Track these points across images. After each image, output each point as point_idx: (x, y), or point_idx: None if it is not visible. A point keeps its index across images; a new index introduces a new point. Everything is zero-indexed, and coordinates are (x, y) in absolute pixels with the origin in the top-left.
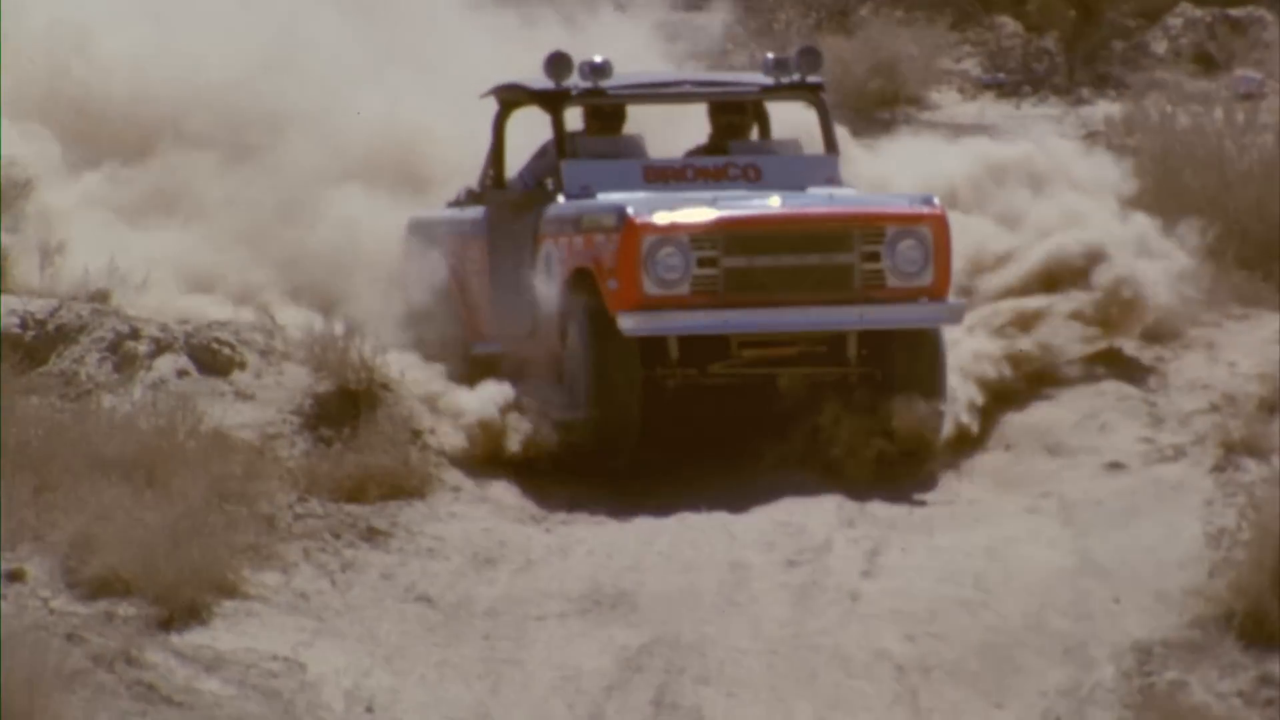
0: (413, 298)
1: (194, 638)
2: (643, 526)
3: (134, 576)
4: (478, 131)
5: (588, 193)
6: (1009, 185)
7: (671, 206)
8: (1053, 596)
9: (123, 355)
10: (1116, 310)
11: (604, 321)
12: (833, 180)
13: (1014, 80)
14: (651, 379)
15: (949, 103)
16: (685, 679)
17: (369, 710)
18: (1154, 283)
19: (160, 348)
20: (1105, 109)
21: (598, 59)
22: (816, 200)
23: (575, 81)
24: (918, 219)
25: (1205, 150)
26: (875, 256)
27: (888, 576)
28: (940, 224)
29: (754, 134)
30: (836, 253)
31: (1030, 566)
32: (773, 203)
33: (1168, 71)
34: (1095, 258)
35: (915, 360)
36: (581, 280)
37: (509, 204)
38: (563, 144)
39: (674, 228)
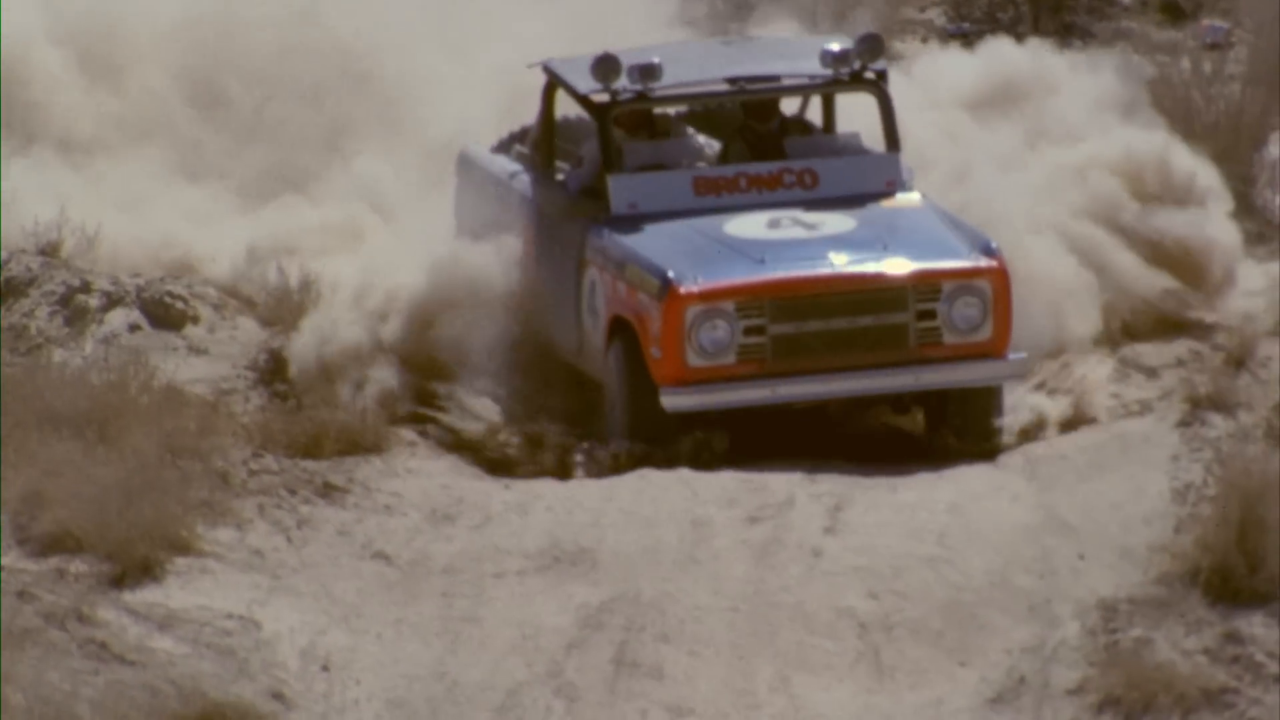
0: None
1: (147, 595)
2: (603, 483)
3: (86, 533)
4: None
5: (635, 210)
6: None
7: (717, 263)
8: (1017, 553)
9: (74, 309)
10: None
11: (643, 376)
12: (893, 183)
13: (979, 29)
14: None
15: (913, 52)
16: (646, 637)
17: (325, 669)
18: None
19: (112, 301)
20: (1071, 59)
21: (650, 60)
22: (871, 251)
23: (623, 84)
24: (976, 274)
25: (1172, 101)
26: (931, 314)
27: (850, 534)
28: (1000, 277)
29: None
30: (891, 313)
31: (994, 522)
32: (835, 259)
33: (1134, 20)
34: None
35: (969, 410)
36: (623, 327)
37: (557, 205)
38: (609, 157)
39: (719, 295)
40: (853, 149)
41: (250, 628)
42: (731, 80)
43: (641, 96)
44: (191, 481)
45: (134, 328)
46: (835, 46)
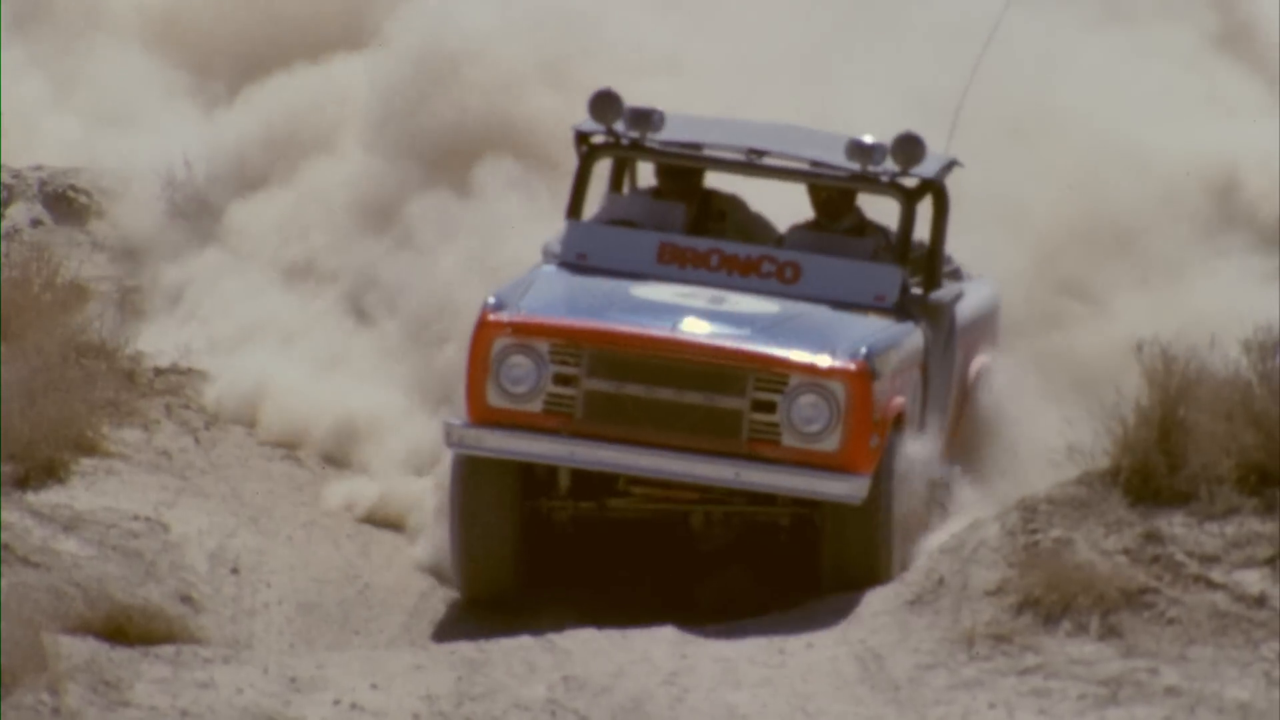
0: None
1: (51, 497)
2: None
3: None
4: None
5: (584, 261)
6: None
7: (557, 306)
8: None
9: None
10: None
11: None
12: (884, 298)
13: None
14: (537, 512)
15: None
16: None
17: (234, 572)
18: None
19: (14, 195)
20: None
21: (648, 107)
22: (739, 330)
23: (619, 127)
24: (828, 373)
25: None
26: (770, 407)
27: None
28: (857, 382)
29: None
30: (723, 395)
31: None
32: (686, 326)
33: None
34: None
35: (849, 521)
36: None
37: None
38: (576, 197)
39: (532, 331)
40: (865, 252)
41: (158, 530)
42: (748, 151)
43: (634, 145)
44: (96, 381)
45: (36, 222)
46: (866, 140)
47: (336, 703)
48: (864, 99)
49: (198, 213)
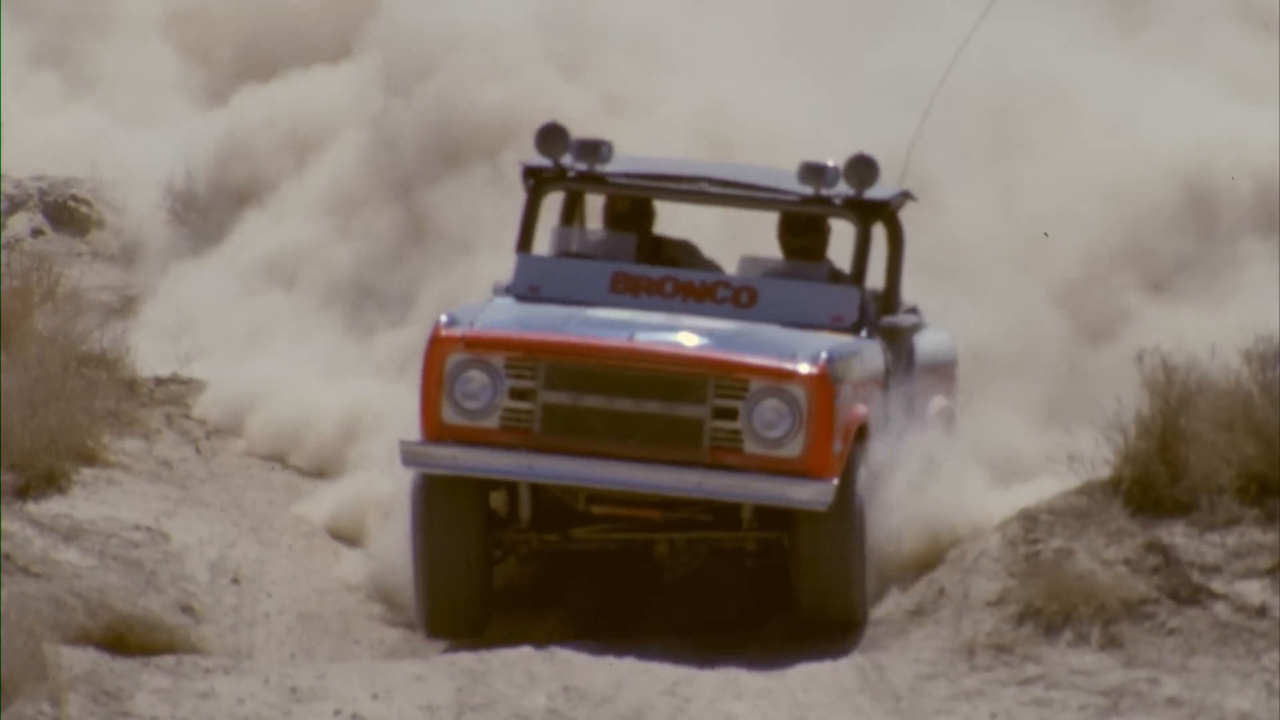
0: None
1: (52, 506)
2: None
3: None
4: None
5: (537, 294)
6: None
7: (511, 321)
8: None
9: None
10: None
11: (462, 523)
12: (841, 319)
13: None
14: (501, 544)
15: None
16: None
17: (235, 581)
18: None
19: (15, 205)
20: None
21: (595, 139)
22: (695, 339)
23: (567, 161)
24: (788, 376)
25: None
26: (732, 414)
27: None
28: (819, 385)
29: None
30: (683, 403)
31: None
32: (645, 335)
33: None
34: None
35: (820, 533)
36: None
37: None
38: (525, 231)
39: (486, 346)
40: (816, 276)
41: (158, 540)
42: (698, 179)
43: (586, 176)
44: (97, 391)
45: (37, 232)
46: (822, 163)
47: (337, 713)
48: (859, 90)
49: (199, 221)
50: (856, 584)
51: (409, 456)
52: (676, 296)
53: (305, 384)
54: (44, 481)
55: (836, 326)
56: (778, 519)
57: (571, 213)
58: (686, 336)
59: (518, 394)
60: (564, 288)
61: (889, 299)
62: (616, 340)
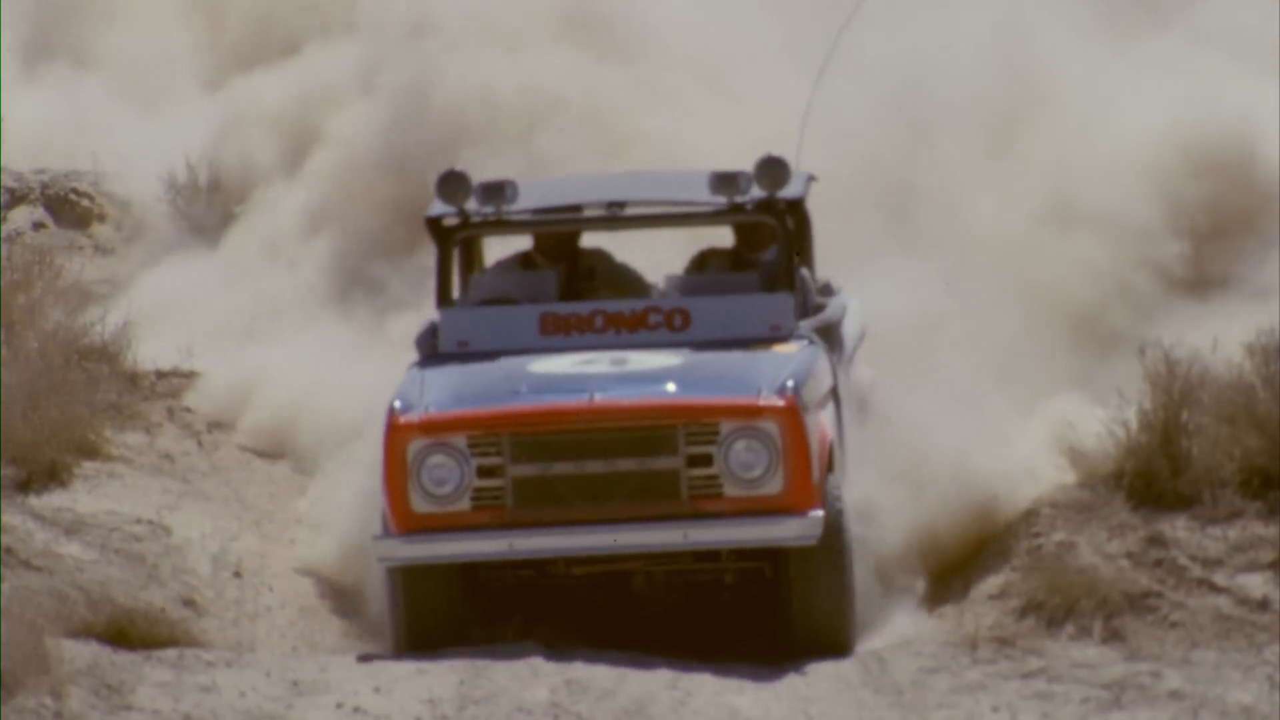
0: None
1: (54, 500)
2: None
3: None
4: None
5: (466, 349)
6: None
7: (465, 396)
8: None
9: None
10: None
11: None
12: (779, 327)
13: None
14: (477, 583)
15: None
16: None
17: (237, 575)
18: None
19: (16, 199)
20: None
21: (496, 180)
22: (654, 386)
23: (472, 206)
24: (756, 412)
25: None
26: (707, 460)
27: None
28: (789, 417)
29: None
30: (656, 456)
31: None
32: (602, 391)
33: None
34: None
35: (808, 560)
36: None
37: (426, 340)
38: (444, 284)
39: (446, 427)
40: (742, 286)
41: (160, 533)
42: (610, 205)
43: (494, 221)
44: (99, 384)
45: (39, 225)
46: (733, 171)
47: (339, 706)
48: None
49: (200, 213)
50: (848, 609)
51: (385, 555)
52: (609, 330)
53: (306, 374)
54: (45, 475)
55: (776, 336)
56: (759, 550)
57: (472, 258)
58: (644, 384)
59: (485, 471)
60: (492, 338)
61: (789, 279)
62: (577, 402)
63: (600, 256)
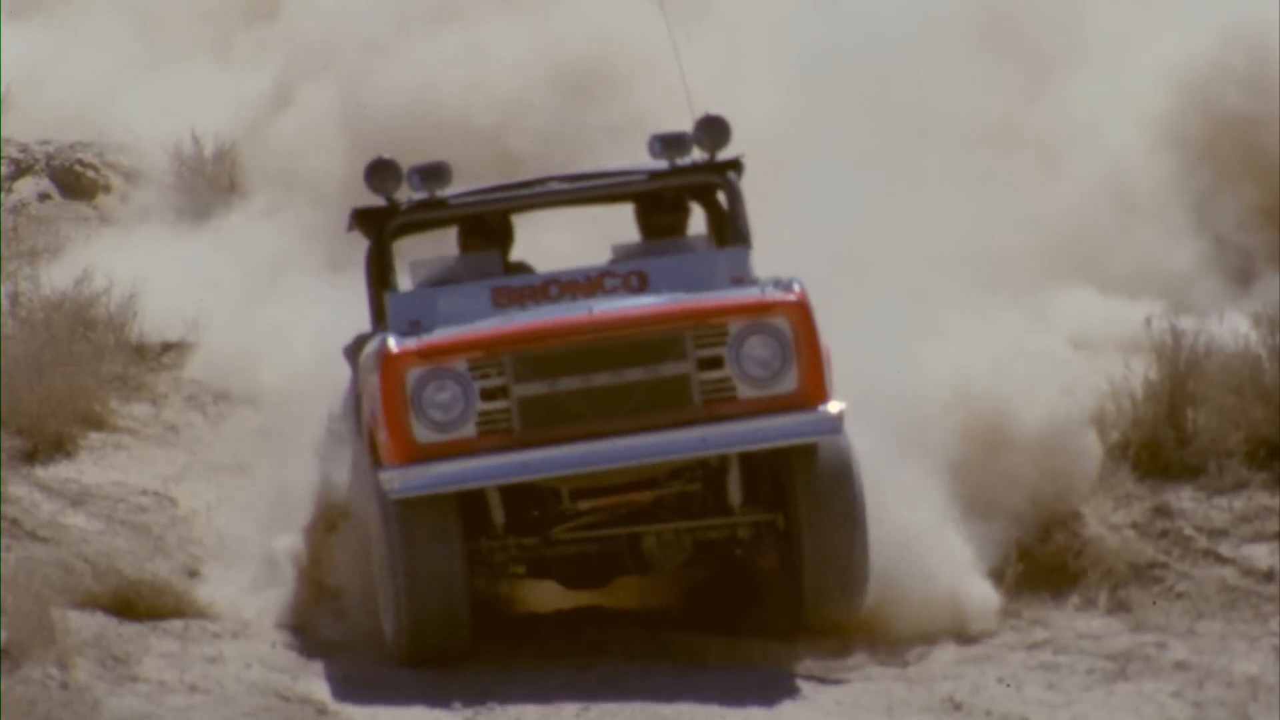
0: None
1: (60, 471)
2: None
3: None
4: None
5: (418, 329)
6: None
7: (455, 323)
8: None
9: None
10: None
11: (431, 534)
12: (740, 280)
13: None
14: (477, 555)
15: None
16: None
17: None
18: None
19: (21, 170)
20: None
21: (430, 162)
22: (647, 294)
23: (406, 194)
24: (767, 309)
25: None
26: (718, 362)
27: None
28: (800, 312)
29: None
30: (665, 362)
31: None
32: (602, 305)
33: None
34: None
35: (820, 503)
36: (374, 444)
37: (354, 350)
38: (383, 272)
39: (445, 352)
40: (697, 247)
41: (166, 504)
42: (549, 179)
43: (431, 203)
44: (104, 355)
45: (44, 197)
46: (678, 132)
47: (345, 678)
48: None
49: (205, 184)
50: (861, 556)
51: (394, 485)
52: (564, 297)
53: (307, 345)
54: (51, 446)
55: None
56: (771, 499)
57: (465, 239)
58: (639, 298)
59: (489, 394)
60: (445, 316)
61: (744, 234)
62: (578, 315)
63: (527, 267)
